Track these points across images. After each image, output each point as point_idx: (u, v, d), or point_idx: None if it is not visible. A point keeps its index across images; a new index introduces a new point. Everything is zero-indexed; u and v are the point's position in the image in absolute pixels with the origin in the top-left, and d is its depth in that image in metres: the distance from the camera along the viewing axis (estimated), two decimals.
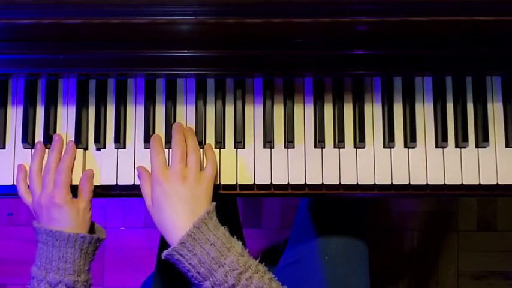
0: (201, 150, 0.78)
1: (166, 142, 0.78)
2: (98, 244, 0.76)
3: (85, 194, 0.76)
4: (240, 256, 0.66)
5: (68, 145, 0.77)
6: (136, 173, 0.77)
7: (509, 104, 0.78)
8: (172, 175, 0.71)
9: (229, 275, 0.64)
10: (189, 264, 0.66)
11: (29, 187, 0.77)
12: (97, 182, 0.78)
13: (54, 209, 0.72)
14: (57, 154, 0.77)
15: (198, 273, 0.66)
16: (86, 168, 0.78)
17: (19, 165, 0.78)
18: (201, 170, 0.74)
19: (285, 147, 0.78)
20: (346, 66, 0.76)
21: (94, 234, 0.75)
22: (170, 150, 0.77)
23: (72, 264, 0.71)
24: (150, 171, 0.75)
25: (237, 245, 0.68)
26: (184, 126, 0.78)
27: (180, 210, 0.68)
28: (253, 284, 0.64)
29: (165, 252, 0.67)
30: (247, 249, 0.70)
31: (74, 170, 0.77)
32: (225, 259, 0.65)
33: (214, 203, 0.71)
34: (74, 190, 0.76)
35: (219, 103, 0.79)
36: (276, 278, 0.68)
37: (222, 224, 0.72)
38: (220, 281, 0.64)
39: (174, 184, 0.70)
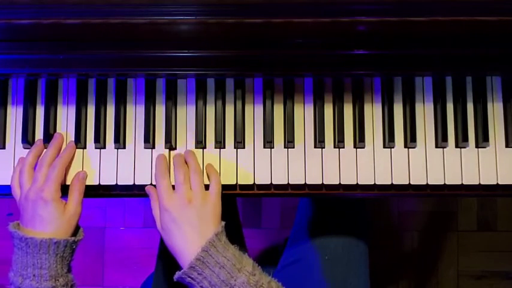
0: (202, 150, 0.78)
1: (166, 142, 0.78)
2: (74, 246, 0.73)
3: (75, 195, 0.74)
4: (251, 276, 0.66)
5: (68, 144, 0.77)
6: (136, 173, 0.77)
7: (509, 104, 0.78)
8: (178, 199, 0.70)
9: None
10: (200, 286, 0.66)
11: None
12: (97, 182, 0.77)
13: (40, 204, 0.71)
14: (54, 150, 0.76)
15: None
16: (85, 168, 0.78)
17: (20, 158, 0.77)
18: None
19: (285, 147, 0.78)
20: (346, 66, 0.76)
21: (70, 238, 0.72)
22: (171, 150, 0.77)
23: (48, 270, 0.69)
24: None
25: (248, 264, 0.67)
26: (185, 131, 0.78)
27: (189, 235, 0.68)
28: None
29: (176, 275, 0.68)
30: (259, 266, 0.69)
31: (72, 170, 0.77)
32: (235, 280, 0.65)
33: (223, 223, 0.71)
34: (67, 191, 0.75)
35: (219, 103, 0.79)
36: (290, 284, 0.68)
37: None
38: None
39: (180, 209, 0.70)
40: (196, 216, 0.69)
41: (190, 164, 0.75)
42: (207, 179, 0.76)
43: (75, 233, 0.74)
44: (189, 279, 0.67)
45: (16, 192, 0.75)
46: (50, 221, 0.71)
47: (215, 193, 0.73)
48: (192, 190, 0.72)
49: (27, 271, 0.69)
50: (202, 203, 0.70)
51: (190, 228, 0.69)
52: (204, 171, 0.77)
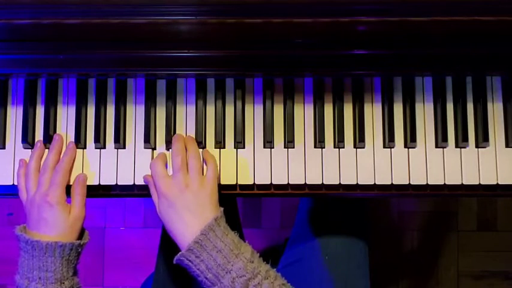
0: (201, 150, 0.78)
1: (166, 142, 0.78)
2: (80, 249, 0.74)
3: (77, 199, 0.74)
4: (249, 262, 0.66)
5: (68, 146, 0.77)
6: (136, 173, 0.77)
7: (509, 104, 0.78)
8: (175, 185, 0.71)
9: (236, 282, 0.64)
10: (198, 269, 0.67)
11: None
12: (97, 182, 0.77)
13: (46, 208, 0.71)
14: (56, 154, 0.76)
15: (206, 278, 0.66)
16: (85, 168, 0.78)
17: (20, 160, 0.77)
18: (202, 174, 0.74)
19: (285, 147, 0.78)
20: (346, 66, 0.76)
21: (75, 241, 0.73)
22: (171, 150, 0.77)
23: (54, 273, 0.69)
24: None
25: (247, 250, 0.67)
26: (185, 132, 0.78)
27: (188, 219, 0.69)
28: None
29: (175, 258, 0.68)
30: (258, 254, 0.69)
31: (73, 170, 0.77)
32: (232, 266, 0.65)
33: (222, 208, 0.71)
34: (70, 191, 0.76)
35: (219, 103, 0.79)
36: (289, 283, 0.68)
37: None
38: (228, 287, 0.65)
39: (178, 194, 0.70)
40: (193, 202, 0.69)
41: (189, 148, 0.75)
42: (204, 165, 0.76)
43: (80, 236, 0.75)
44: (187, 261, 0.67)
45: (23, 195, 0.76)
46: (55, 224, 0.71)
47: (212, 178, 0.73)
48: (188, 175, 0.72)
49: (32, 274, 0.69)
50: (199, 188, 0.70)
51: (189, 213, 0.69)
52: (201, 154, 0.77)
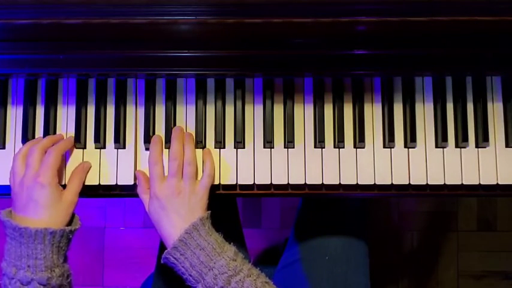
0: (202, 151, 0.78)
1: (166, 142, 0.78)
2: (71, 236, 0.71)
3: (75, 183, 0.74)
4: (232, 260, 0.68)
5: (68, 137, 0.78)
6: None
7: (509, 104, 0.78)
8: (168, 189, 0.72)
9: (218, 278, 0.66)
10: (182, 267, 0.69)
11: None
12: (97, 182, 0.77)
13: (37, 189, 0.69)
14: (49, 141, 0.75)
15: (191, 275, 0.69)
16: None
17: (21, 148, 0.76)
18: (197, 178, 0.75)
19: (285, 147, 0.78)
20: (346, 66, 0.76)
21: (66, 227, 0.70)
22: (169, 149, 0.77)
23: (44, 260, 0.67)
24: (148, 176, 0.76)
25: (230, 250, 0.70)
26: (185, 130, 0.78)
27: (175, 221, 0.71)
28: (244, 287, 0.66)
29: (162, 256, 0.71)
30: (242, 255, 0.71)
31: (70, 169, 0.77)
32: (214, 263, 0.67)
33: (209, 212, 0.73)
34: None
35: (219, 103, 0.79)
36: (272, 282, 0.69)
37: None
38: (210, 284, 0.67)
39: (169, 198, 0.72)
40: (183, 207, 0.72)
41: (186, 153, 0.75)
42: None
43: (70, 222, 0.73)
44: (173, 259, 0.70)
45: (11, 181, 0.73)
46: (45, 206, 0.69)
47: (205, 186, 0.74)
48: (182, 181, 0.73)
49: (21, 261, 0.66)
50: (190, 195, 0.73)
51: (177, 216, 0.72)
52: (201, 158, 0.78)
